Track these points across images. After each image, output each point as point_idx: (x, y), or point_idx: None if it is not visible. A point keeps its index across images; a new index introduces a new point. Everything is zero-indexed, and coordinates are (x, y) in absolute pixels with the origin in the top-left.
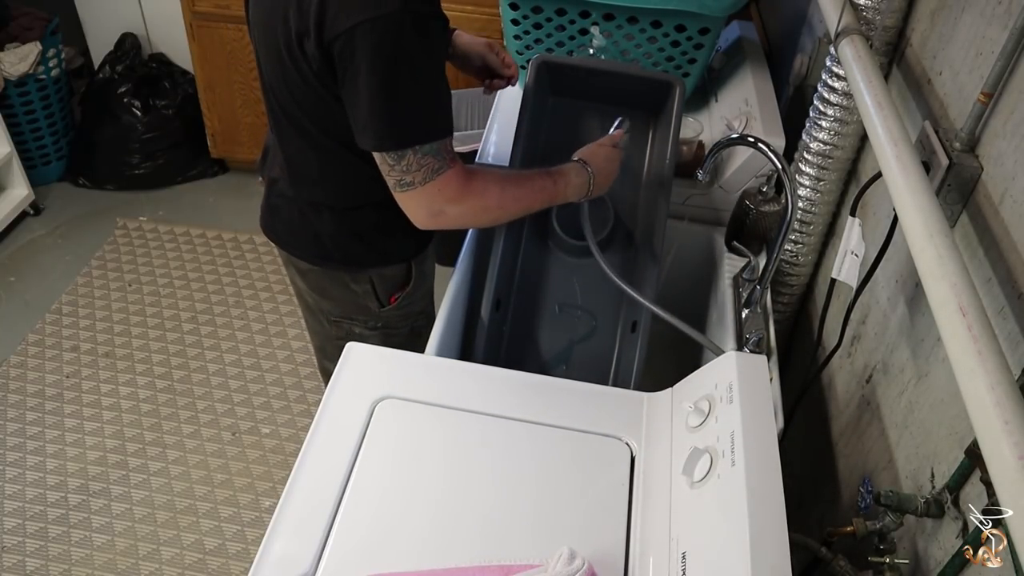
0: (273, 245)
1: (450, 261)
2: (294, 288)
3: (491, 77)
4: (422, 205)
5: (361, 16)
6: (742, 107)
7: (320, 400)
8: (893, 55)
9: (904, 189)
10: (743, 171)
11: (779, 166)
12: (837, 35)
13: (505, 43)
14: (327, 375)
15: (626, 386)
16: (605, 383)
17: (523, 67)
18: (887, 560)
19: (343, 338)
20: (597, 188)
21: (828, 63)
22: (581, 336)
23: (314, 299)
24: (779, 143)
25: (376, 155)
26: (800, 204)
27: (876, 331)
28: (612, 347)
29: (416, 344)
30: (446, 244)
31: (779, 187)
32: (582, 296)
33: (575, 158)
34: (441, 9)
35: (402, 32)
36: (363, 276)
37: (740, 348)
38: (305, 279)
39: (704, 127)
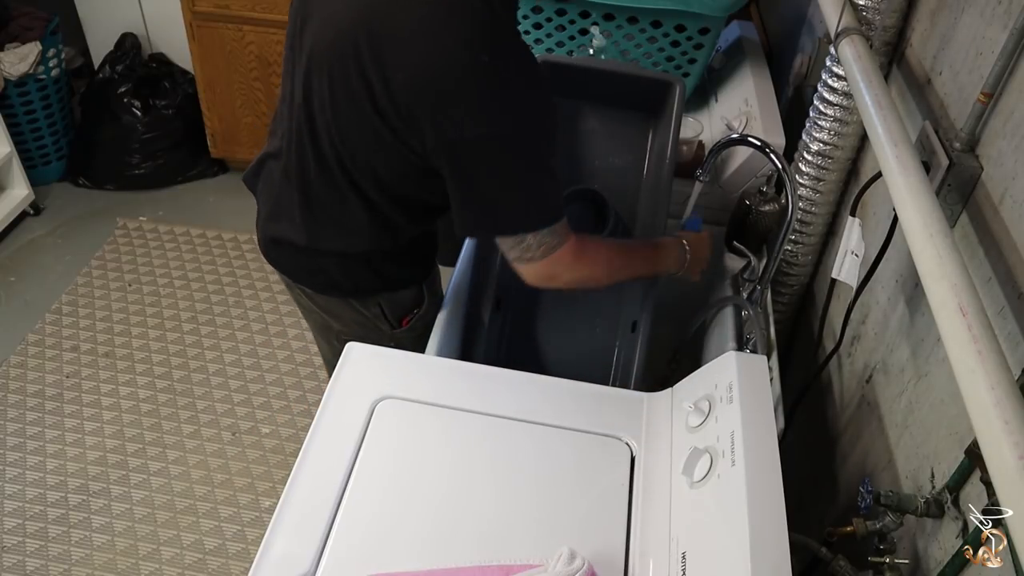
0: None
1: (450, 261)
2: (300, 308)
3: None
4: (539, 274)
5: (485, 129)
6: (742, 107)
7: (320, 400)
8: (893, 55)
9: (904, 189)
10: (743, 171)
11: (779, 166)
12: (837, 35)
13: None
14: None
15: (626, 386)
16: (605, 383)
17: None
18: (887, 560)
19: None
20: (693, 265)
21: (828, 63)
22: (581, 336)
23: (323, 319)
24: (779, 143)
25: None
26: (800, 204)
27: (876, 331)
28: (612, 347)
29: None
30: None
31: (779, 187)
32: (582, 296)
33: (677, 234)
34: (553, 100)
35: (522, 141)
36: (372, 301)
37: (740, 348)
38: (313, 301)
39: (704, 127)
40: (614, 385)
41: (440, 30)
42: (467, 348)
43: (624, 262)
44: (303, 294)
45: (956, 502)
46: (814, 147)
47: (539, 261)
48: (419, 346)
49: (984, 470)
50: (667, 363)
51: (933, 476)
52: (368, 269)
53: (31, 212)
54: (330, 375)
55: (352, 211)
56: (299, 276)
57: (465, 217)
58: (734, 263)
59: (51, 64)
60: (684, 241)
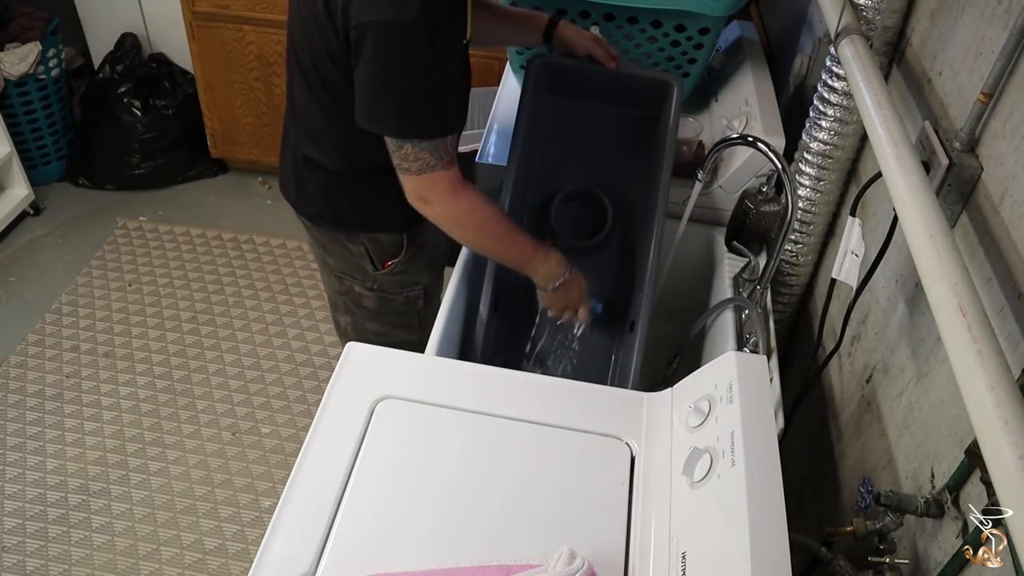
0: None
1: (450, 261)
2: (308, 243)
3: None
4: (412, 190)
5: (379, 15)
6: (742, 107)
7: (320, 400)
8: (893, 55)
9: (904, 189)
10: (743, 171)
11: (779, 166)
12: (837, 35)
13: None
14: (337, 327)
15: (624, 386)
16: (604, 383)
17: (522, 67)
18: (887, 560)
19: (346, 294)
20: (561, 291)
21: (828, 63)
22: (580, 336)
23: (321, 253)
24: (779, 143)
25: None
26: (800, 204)
27: (876, 331)
28: (610, 347)
29: (411, 316)
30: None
31: (779, 187)
32: None
33: (567, 263)
34: (463, 18)
35: (415, 39)
36: (356, 238)
37: (740, 348)
38: (311, 234)
39: (704, 127)
40: (612, 385)
41: None
42: (466, 348)
43: (500, 233)
44: (305, 227)
45: (956, 502)
46: (814, 147)
47: (414, 176)
48: (399, 291)
49: (984, 470)
50: (667, 365)
51: (933, 476)
52: (350, 205)
53: (31, 212)
54: (332, 312)
55: (321, 119)
56: (295, 198)
57: (359, 104)
58: (734, 263)
59: (51, 64)
60: (571, 270)
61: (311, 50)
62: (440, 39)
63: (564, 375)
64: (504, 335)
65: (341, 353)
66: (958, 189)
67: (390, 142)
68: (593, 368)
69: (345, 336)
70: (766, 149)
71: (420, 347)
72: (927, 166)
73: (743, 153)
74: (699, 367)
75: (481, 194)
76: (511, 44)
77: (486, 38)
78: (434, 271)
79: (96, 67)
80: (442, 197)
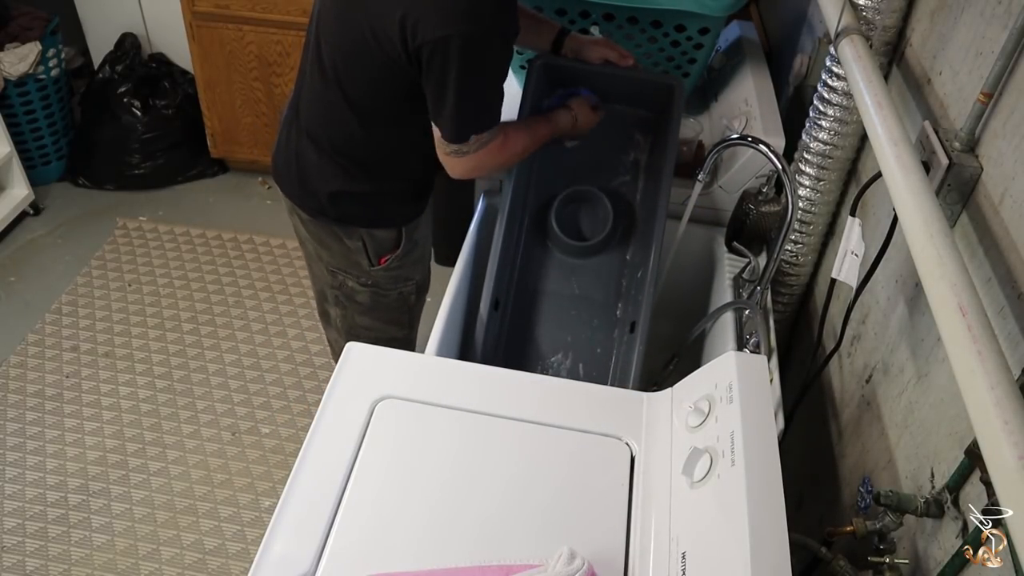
0: (281, 195)
1: (450, 261)
2: (297, 236)
3: None
4: (467, 167)
5: (455, 28)
6: (742, 107)
7: (320, 400)
8: (893, 55)
9: (904, 189)
10: (743, 171)
11: (779, 166)
12: (837, 35)
13: None
14: (325, 317)
15: (624, 386)
16: (604, 383)
17: (523, 67)
18: (887, 560)
19: (338, 288)
20: (582, 123)
21: (828, 63)
22: (580, 336)
23: (314, 247)
24: (779, 143)
25: (441, 133)
26: (800, 204)
27: (876, 331)
28: (611, 347)
29: (402, 312)
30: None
31: (779, 187)
32: (581, 296)
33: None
34: (515, 12)
35: (489, 46)
36: (355, 233)
37: (740, 348)
38: (307, 228)
39: (704, 127)
40: (612, 386)
41: None
42: (466, 348)
43: (529, 140)
44: (299, 221)
45: (956, 502)
46: (814, 147)
47: (472, 154)
48: (393, 287)
49: (984, 470)
50: (663, 367)
51: (933, 476)
52: (353, 202)
53: (31, 212)
54: (320, 303)
55: (349, 127)
56: (295, 192)
57: (440, 112)
58: (734, 263)
59: (51, 64)
60: (570, 106)
61: (347, 60)
62: (508, 41)
63: (565, 375)
64: (504, 335)
65: (326, 343)
66: (958, 189)
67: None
68: (593, 368)
69: (332, 327)
70: (766, 150)
71: (408, 344)
72: (927, 166)
73: (743, 154)
74: (698, 368)
75: (508, 128)
76: (520, 45)
77: None
78: (426, 266)
79: (96, 67)
80: (495, 156)
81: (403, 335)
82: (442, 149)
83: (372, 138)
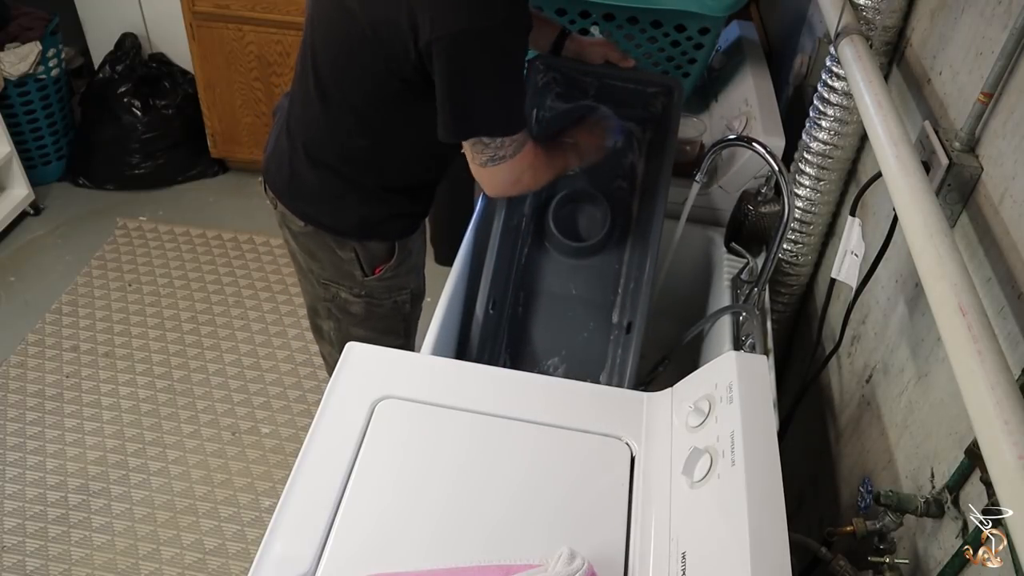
0: (273, 201)
1: (449, 261)
2: (287, 249)
3: None
4: (510, 173)
5: (467, 23)
6: (742, 107)
7: (320, 400)
8: (893, 55)
9: (904, 189)
10: (743, 172)
11: (774, 167)
12: (837, 35)
13: None
14: (318, 331)
15: (621, 387)
16: (600, 384)
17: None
18: (887, 560)
19: (331, 300)
20: (592, 152)
21: (828, 63)
22: (577, 336)
23: (305, 260)
24: (779, 143)
25: (470, 140)
26: (800, 204)
27: (876, 331)
28: (607, 348)
29: (397, 321)
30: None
31: (778, 188)
32: (578, 297)
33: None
34: (527, 6)
35: (504, 41)
36: (347, 244)
37: (736, 350)
38: (297, 241)
39: (705, 127)
40: (609, 385)
41: None
42: (463, 347)
43: (561, 163)
44: (290, 234)
45: (956, 502)
46: (814, 147)
47: (510, 160)
48: (387, 296)
49: (984, 470)
50: (651, 369)
51: (933, 476)
52: (349, 216)
53: (31, 212)
54: (312, 317)
55: (348, 137)
56: (288, 198)
57: (453, 113)
58: (733, 264)
59: (51, 64)
60: (575, 142)
61: (342, 63)
62: (522, 35)
63: (562, 375)
64: (502, 335)
65: (320, 358)
66: (958, 189)
67: (481, 140)
68: (590, 369)
69: (325, 341)
70: (762, 151)
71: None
72: (927, 166)
73: (743, 154)
74: (693, 370)
75: (529, 140)
76: None
77: None
78: (420, 275)
79: (96, 67)
80: (533, 165)
81: (400, 344)
82: (474, 162)
83: (367, 148)
